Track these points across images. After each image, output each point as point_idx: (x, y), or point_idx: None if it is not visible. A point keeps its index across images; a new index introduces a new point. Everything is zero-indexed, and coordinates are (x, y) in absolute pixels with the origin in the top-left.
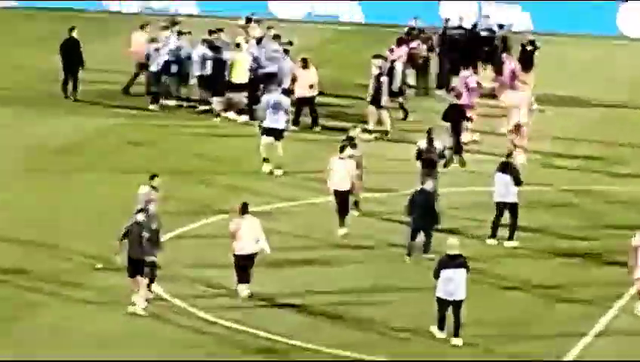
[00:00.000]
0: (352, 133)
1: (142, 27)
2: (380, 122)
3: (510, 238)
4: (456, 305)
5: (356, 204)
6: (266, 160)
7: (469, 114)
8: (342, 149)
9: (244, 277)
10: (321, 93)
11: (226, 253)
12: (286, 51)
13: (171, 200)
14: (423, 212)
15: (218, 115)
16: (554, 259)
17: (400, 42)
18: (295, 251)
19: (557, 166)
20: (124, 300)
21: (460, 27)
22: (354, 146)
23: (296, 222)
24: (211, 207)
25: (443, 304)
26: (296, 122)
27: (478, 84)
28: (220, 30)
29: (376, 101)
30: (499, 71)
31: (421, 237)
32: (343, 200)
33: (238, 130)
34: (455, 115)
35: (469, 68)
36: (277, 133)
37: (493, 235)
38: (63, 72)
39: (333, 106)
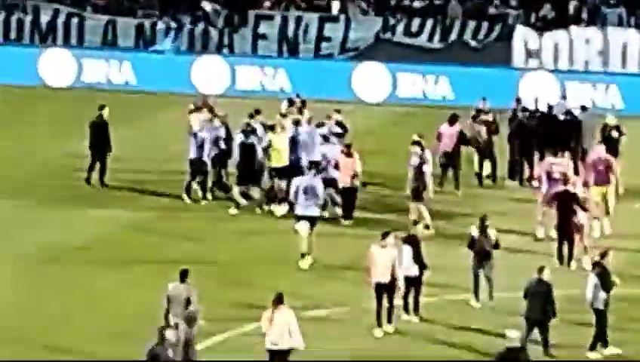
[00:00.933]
0: (413, 231)
1: (198, 109)
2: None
3: (591, 348)
4: None
5: (416, 307)
6: (303, 255)
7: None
8: (384, 236)
9: None
10: (364, 185)
11: None
12: (339, 135)
13: (206, 304)
14: (543, 304)
15: (260, 207)
16: None
17: (452, 122)
18: None
19: None
20: None
21: (534, 110)
22: (416, 246)
23: (348, 328)
24: (251, 311)
25: None
26: (347, 216)
27: (564, 174)
28: (258, 112)
29: (418, 194)
30: (579, 159)
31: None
32: (388, 295)
33: (281, 224)
34: (567, 202)
35: (556, 155)
36: (311, 221)
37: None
38: (90, 157)
39: (387, 197)
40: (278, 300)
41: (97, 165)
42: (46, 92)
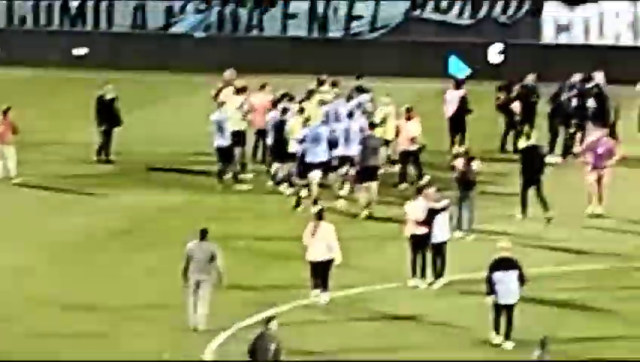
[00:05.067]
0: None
1: (262, 87)
2: None
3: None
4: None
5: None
6: (316, 201)
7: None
8: (419, 191)
9: (318, 283)
10: (423, 147)
11: None
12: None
13: (236, 288)
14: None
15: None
16: None
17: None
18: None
19: None
20: None
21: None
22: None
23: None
24: (285, 294)
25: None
26: (402, 179)
27: (609, 151)
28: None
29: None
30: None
31: None
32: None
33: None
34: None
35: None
36: (321, 166)
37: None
38: (100, 135)
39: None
40: (319, 216)
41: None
42: None
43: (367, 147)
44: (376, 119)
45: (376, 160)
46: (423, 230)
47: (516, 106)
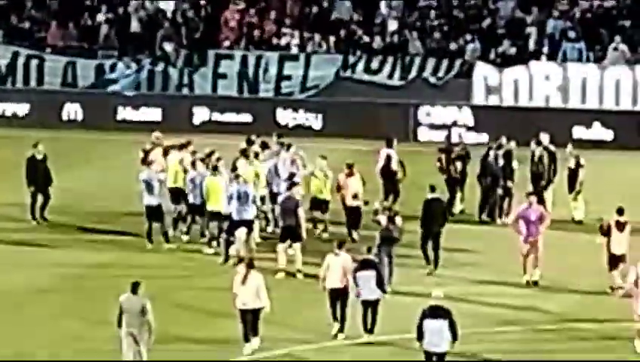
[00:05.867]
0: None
1: (185, 146)
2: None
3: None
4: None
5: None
6: (241, 260)
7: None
8: (340, 246)
9: (248, 334)
10: (366, 203)
11: None
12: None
13: (174, 342)
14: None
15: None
16: None
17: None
18: None
19: None
20: None
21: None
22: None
23: None
24: (223, 348)
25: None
26: (351, 235)
27: (540, 217)
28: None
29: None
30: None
31: None
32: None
33: None
34: None
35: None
36: (248, 225)
37: None
38: (30, 195)
39: None
40: (250, 265)
41: (39, 199)
42: None
43: (283, 208)
44: (316, 181)
45: (292, 220)
46: (340, 284)
47: (458, 167)
